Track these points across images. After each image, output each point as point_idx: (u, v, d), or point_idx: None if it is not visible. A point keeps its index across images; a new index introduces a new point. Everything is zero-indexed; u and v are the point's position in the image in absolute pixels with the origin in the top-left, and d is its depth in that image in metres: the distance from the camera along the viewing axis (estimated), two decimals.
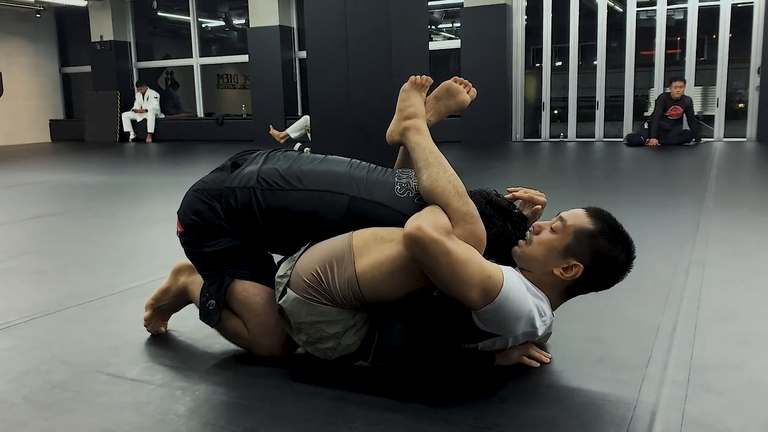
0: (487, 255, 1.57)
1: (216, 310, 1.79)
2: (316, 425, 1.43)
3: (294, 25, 10.72)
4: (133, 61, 12.44)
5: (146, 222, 4.04)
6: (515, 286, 1.50)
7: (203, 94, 12.18)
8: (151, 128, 11.66)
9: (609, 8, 9.19)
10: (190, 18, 11.89)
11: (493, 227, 1.66)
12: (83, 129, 12.26)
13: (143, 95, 11.82)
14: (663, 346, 1.82)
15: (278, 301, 1.66)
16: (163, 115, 12.00)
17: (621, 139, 8.88)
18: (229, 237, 1.76)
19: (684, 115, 8.24)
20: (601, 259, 1.59)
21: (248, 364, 1.76)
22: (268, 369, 1.72)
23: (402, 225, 1.57)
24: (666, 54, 8.99)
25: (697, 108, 8.60)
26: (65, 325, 2.16)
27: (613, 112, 9.36)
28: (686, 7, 8.79)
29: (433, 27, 11.95)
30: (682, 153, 7.38)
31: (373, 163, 1.88)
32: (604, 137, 9.33)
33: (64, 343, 1.98)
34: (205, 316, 1.82)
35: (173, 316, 2.05)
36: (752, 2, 8.41)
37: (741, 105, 8.93)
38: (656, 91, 8.90)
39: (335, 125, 5.34)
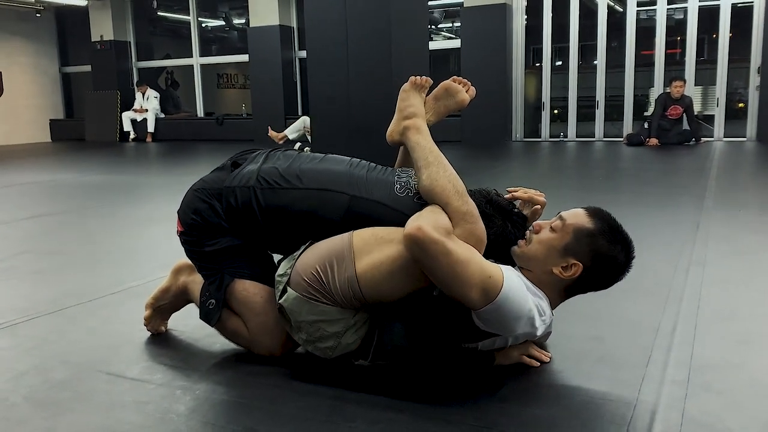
0: (487, 254, 1.57)
1: (216, 310, 1.79)
2: (316, 424, 1.43)
3: (294, 24, 10.72)
4: (133, 60, 12.44)
5: (146, 221, 4.04)
6: (515, 286, 1.50)
7: (203, 94, 12.18)
8: (151, 128, 11.66)
9: (609, 8, 9.19)
10: (190, 17, 11.89)
11: (493, 227, 1.66)
12: (83, 129, 12.26)
13: (143, 95, 11.82)
14: (663, 345, 1.82)
15: (278, 299, 1.66)
16: (163, 115, 11.99)
17: (621, 139, 8.88)
18: (229, 236, 1.76)
19: (684, 114, 8.24)
20: (600, 258, 1.59)
21: (248, 363, 1.77)
22: (267, 368, 1.72)
23: (402, 224, 1.57)
24: (666, 54, 8.99)
25: (697, 108, 8.60)
26: (65, 324, 2.16)
27: (613, 112, 9.36)
28: (686, 7, 8.79)
29: (433, 27, 11.96)
30: (682, 153, 7.38)
31: (373, 162, 1.88)
32: (604, 137, 9.33)
33: (64, 343, 1.98)
34: (205, 316, 1.82)
35: (173, 315, 2.05)
36: (752, 2, 8.41)
37: (741, 105, 8.93)
38: (656, 90, 8.90)
39: (335, 125, 5.34)
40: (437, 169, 1.64)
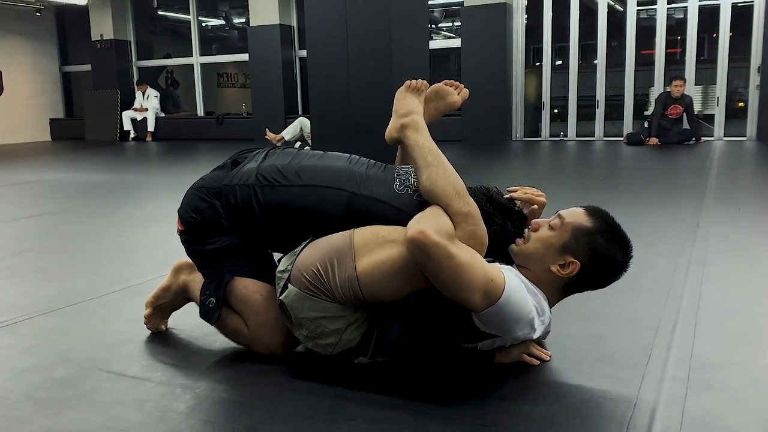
0: (486, 253, 1.57)
1: (216, 308, 1.79)
2: (316, 423, 1.43)
3: (294, 23, 10.71)
4: (134, 59, 12.44)
5: (146, 220, 4.04)
6: (517, 289, 1.50)
7: (203, 93, 12.18)
8: (151, 127, 11.66)
9: (609, 7, 9.19)
10: (191, 17, 11.89)
11: (493, 225, 1.66)
12: (83, 128, 12.26)
13: (143, 94, 11.82)
14: (663, 344, 1.82)
15: (279, 296, 1.66)
16: (163, 114, 12.00)
17: (621, 138, 8.88)
18: (229, 235, 1.77)
19: (684, 114, 8.24)
20: (598, 257, 1.59)
21: (248, 361, 1.77)
22: (267, 367, 1.72)
23: (402, 222, 1.57)
24: (666, 53, 8.99)
25: (697, 107, 8.60)
26: (66, 322, 2.16)
27: (613, 111, 9.36)
28: (686, 6, 8.79)
29: (433, 26, 11.95)
30: (682, 152, 7.38)
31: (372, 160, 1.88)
32: (604, 136, 9.33)
33: (64, 341, 1.98)
34: (205, 314, 1.82)
35: (173, 314, 2.06)
36: (752, 1, 8.41)
37: (741, 104, 8.93)
38: (656, 90, 8.90)
39: (335, 124, 5.33)
40: (437, 169, 1.63)
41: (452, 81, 1.98)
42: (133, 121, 11.80)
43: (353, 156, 1.86)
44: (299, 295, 1.62)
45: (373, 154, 1.93)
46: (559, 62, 9.74)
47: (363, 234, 1.63)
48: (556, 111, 9.76)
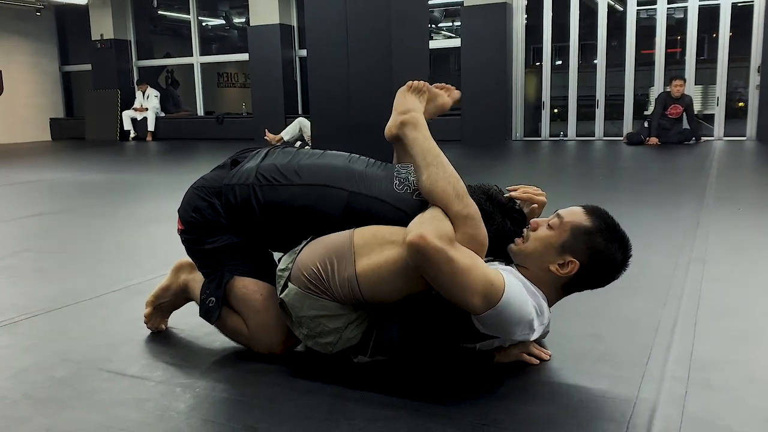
0: (486, 252, 1.57)
1: (215, 307, 1.79)
2: (316, 422, 1.43)
3: (294, 23, 10.72)
4: (134, 59, 12.44)
5: (146, 220, 4.04)
6: (516, 291, 1.49)
7: (203, 93, 12.18)
8: (151, 127, 11.66)
9: (609, 7, 9.19)
10: (191, 16, 11.89)
11: (493, 224, 1.66)
12: (83, 127, 12.26)
13: (143, 94, 11.82)
14: (663, 343, 1.82)
15: (280, 294, 1.66)
16: (163, 114, 12.00)
17: (621, 138, 8.88)
18: (228, 234, 1.77)
19: (684, 113, 8.24)
20: (597, 256, 1.59)
21: (248, 361, 1.77)
22: (267, 366, 1.72)
23: (401, 221, 1.56)
24: (666, 53, 8.99)
25: (697, 107, 8.60)
26: (66, 322, 2.16)
27: (613, 111, 9.36)
28: (686, 6, 8.80)
29: (433, 26, 11.95)
30: (682, 152, 7.38)
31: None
32: (604, 136, 9.33)
33: (64, 340, 1.98)
34: (205, 314, 1.82)
35: (173, 313, 2.06)
36: (752, 1, 8.41)
37: (741, 104, 8.93)
38: (656, 89, 8.90)
39: (335, 124, 5.34)
40: (436, 170, 1.61)
41: (442, 84, 2.01)
42: (134, 120, 11.81)
43: (353, 155, 1.86)
44: (299, 293, 1.62)
45: (373, 154, 1.93)
46: (559, 62, 9.74)
47: (363, 234, 1.63)
48: (556, 111, 9.76)
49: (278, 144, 7.90)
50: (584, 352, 1.78)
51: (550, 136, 9.67)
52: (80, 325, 2.14)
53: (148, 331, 2.01)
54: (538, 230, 1.64)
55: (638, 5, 9.02)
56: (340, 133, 5.26)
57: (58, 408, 1.53)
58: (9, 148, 10.74)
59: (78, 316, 2.22)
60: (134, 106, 11.88)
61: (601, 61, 9.22)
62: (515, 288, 1.49)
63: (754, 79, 8.49)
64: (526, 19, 9.59)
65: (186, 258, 1.93)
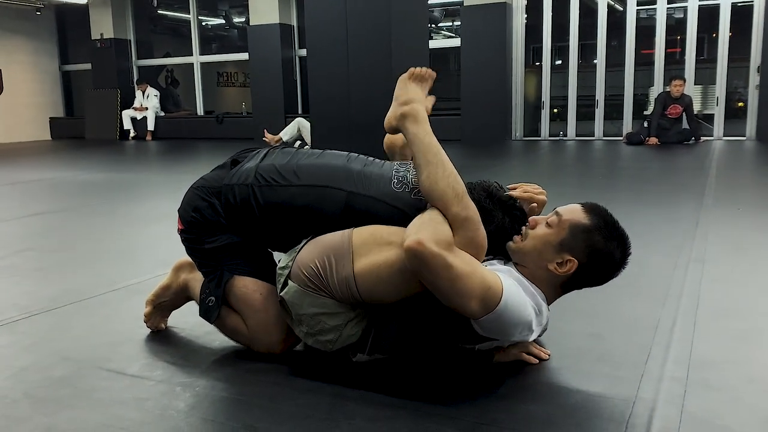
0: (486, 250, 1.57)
1: (215, 307, 1.79)
2: (316, 422, 1.43)
3: (294, 23, 10.71)
4: (134, 58, 12.43)
5: (146, 219, 4.04)
6: (514, 294, 1.49)
7: (203, 92, 12.17)
8: (151, 126, 11.65)
9: (609, 7, 9.19)
10: (191, 16, 11.88)
11: (493, 221, 1.65)
12: (83, 127, 12.25)
13: (143, 93, 11.81)
14: (662, 342, 1.83)
15: (280, 292, 1.66)
16: (163, 113, 11.99)
17: (621, 138, 8.88)
18: (228, 234, 1.77)
19: (684, 113, 8.24)
20: (596, 254, 1.58)
21: (248, 360, 1.77)
22: (267, 365, 1.72)
23: (400, 221, 1.56)
24: (666, 53, 8.98)
25: (696, 107, 8.59)
26: (66, 321, 2.17)
27: (613, 111, 9.36)
28: (686, 6, 8.79)
29: (433, 25, 11.95)
30: (681, 151, 7.38)
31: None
32: (604, 136, 9.33)
33: (64, 340, 1.99)
34: (205, 313, 1.83)
35: (173, 312, 2.06)
36: (752, 1, 8.41)
37: (741, 104, 8.93)
38: (656, 89, 8.89)
39: (335, 123, 5.34)
40: (436, 169, 1.59)
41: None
42: (133, 120, 11.80)
43: (352, 154, 1.86)
44: (299, 291, 1.62)
45: (373, 154, 1.93)
46: (559, 62, 9.73)
47: (361, 234, 1.63)
48: (555, 110, 9.75)
49: (277, 144, 7.92)
50: (583, 351, 1.78)
51: (550, 135, 9.66)
52: (80, 324, 2.14)
53: (148, 331, 2.01)
54: (537, 228, 1.63)
55: (638, 5, 9.02)
56: (340, 132, 5.26)
57: (57, 407, 1.53)
58: (9, 147, 10.73)
59: (78, 315, 2.22)
60: (134, 106, 11.87)
61: (600, 60, 9.21)
62: (513, 291, 1.49)
63: (754, 79, 8.49)
64: (526, 18, 9.58)
65: (186, 257, 1.93)
